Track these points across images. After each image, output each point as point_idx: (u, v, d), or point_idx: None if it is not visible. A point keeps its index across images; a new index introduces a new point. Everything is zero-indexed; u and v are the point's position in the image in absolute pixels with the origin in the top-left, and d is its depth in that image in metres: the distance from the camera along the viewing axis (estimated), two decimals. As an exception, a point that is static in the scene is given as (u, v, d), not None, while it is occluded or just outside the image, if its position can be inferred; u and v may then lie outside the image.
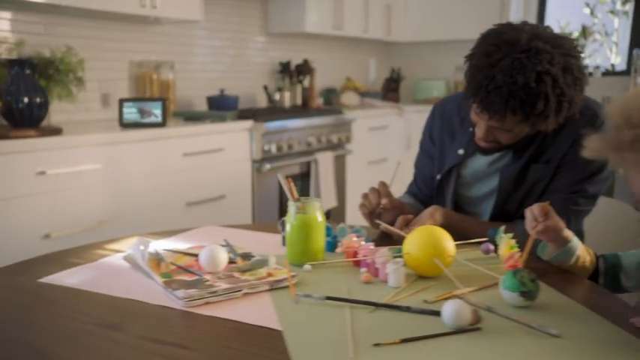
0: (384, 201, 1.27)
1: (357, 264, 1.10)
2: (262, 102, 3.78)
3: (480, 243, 1.14)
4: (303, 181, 3.29)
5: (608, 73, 4.34)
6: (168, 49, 3.17)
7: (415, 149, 1.63)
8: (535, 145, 1.31)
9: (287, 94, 3.66)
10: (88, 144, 2.14)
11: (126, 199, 2.30)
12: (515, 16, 4.44)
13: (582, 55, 1.21)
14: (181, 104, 3.24)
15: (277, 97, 3.66)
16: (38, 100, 2.09)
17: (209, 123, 2.75)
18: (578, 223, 1.30)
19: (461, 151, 1.41)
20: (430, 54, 4.95)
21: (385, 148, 4.03)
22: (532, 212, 1.03)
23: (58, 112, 2.58)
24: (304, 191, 3.26)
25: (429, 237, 1.04)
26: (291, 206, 1.12)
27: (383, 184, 1.31)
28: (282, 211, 3.08)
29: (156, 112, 2.49)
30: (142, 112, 2.48)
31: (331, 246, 1.19)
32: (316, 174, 3.29)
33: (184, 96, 3.28)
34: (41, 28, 2.55)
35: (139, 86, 3.00)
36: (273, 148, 2.98)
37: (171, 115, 3.00)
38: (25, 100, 2.05)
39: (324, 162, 3.32)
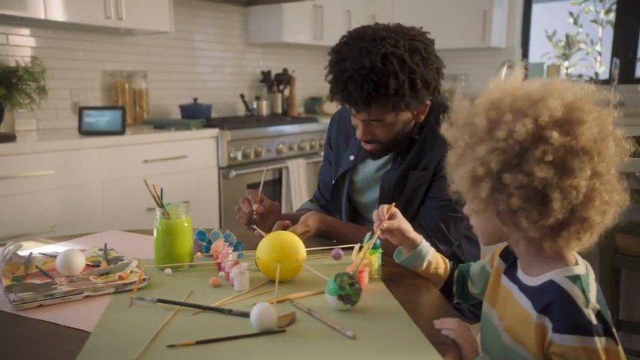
0: (255, 207, 1.27)
1: (219, 268, 1.11)
2: (242, 111, 3.82)
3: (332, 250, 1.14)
4: (275, 187, 3.30)
5: (592, 82, 4.26)
6: (144, 59, 3.23)
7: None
8: (414, 152, 1.31)
9: (264, 103, 3.69)
10: (39, 150, 2.19)
11: (79, 204, 2.34)
12: (498, 25, 4.39)
13: (431, 39, 1.25)
14: (155, 113, 3.29)
15: (255, 105, 3.69)
16: (-8, 108, 2.15)
17: (174, 131, 2.79)
18: (458, 230, 1.28)
19: (351, 157, 1.42)
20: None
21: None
22: (377, 212, 1.03)
23: (26, 120, 2.65)
24: (276, 197, 3.27)
25: (276, 242, 1.04)
26: (157, 212, 1.13)
27: (251, 192, 1.31)
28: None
29: (115, 120, 2.53)
30: (101, 120, 2.52)
31: (207, 249, 1.20)
32: (287, 180, 3.30)
33: (159, 105, 3.33)
34: (6, 39, 2.63)
35: (111, 95, 3.06)
36: (239, 156, 3.00)
37: (140, 123, 3.05)
38: (-22, 108, 2.12)
39: (295, 169, 3.33)
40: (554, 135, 0.71)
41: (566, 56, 4.53)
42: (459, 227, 1.28)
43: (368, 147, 1.31)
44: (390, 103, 1.19)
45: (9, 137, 2.19)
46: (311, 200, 1.61)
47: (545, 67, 4.39)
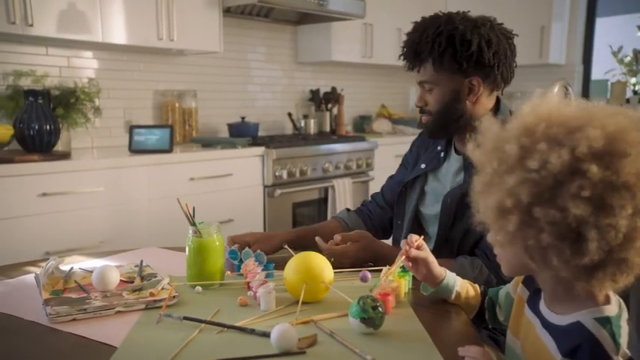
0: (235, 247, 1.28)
1: (249, 287, 1.13)
2: (290, 129, 3.88)
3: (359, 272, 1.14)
4: (321, 206, 3.33)
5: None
6: (194, 78, 3.35)
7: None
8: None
9: (312, 122, 3.74)
10: (90, 168, 2.31)
11: (127, 220, 2.44)
12: (557, 40, 4.29)
13: (506, 29, 1.34)
14: (204, 131, 3.40)
15: (302, 124, 3.75)
16: (48, 127, 2.29)
17: (220, 149, 2.88)
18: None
19: (423, 165, 1.47)
20: (471, 80, 4.87)
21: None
22: (406, 240, 1.03)
23: (81, 138, 2.80)
24: (322, 217, 3.30)
25: (303, 263, 1.05)
26: (189, 230, 1.17)
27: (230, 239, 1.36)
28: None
29: (163, 138, 2.64)
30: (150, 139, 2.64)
31: (238, 268, 1.23)
32: (333, 199, 3.32)
33: (208, 123, 3.44)
34: (67, 61, 2.80)
35: (162, 114, 3.19)
36: (285, 174, 3.05)
37: (188, 141, 3.16)
38: (36, 127, 2.26)
39: (341, 188, 3.34)
40: (593, 168, 0.66)
41: (633, 73, 4.36)
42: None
43: (423, 118, 1.39)
44: (431, 57, 1.29)
45: (64, 155, 2.33)
46: (348, 209, 1.63)
47: (609, 84, 4.23)
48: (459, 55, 1.27)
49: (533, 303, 0.83)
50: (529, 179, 0.69)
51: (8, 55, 2.57)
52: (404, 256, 1.02)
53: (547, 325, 0.78)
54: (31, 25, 2.30)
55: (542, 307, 0.80)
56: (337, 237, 1.30)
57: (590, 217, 0.66)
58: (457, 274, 1.07)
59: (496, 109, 1.38)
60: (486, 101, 1.35)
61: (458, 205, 1.31)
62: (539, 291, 0.82)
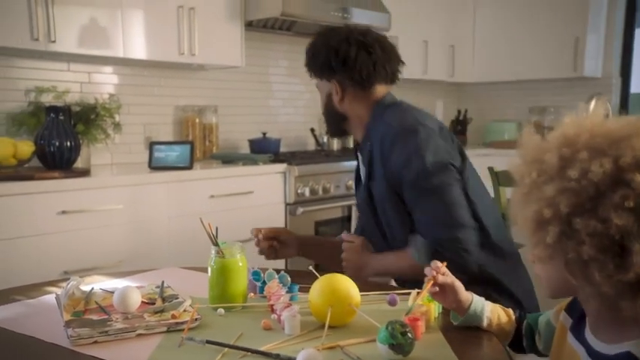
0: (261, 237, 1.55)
1: (272, 310, 1.14)
2: (312, 145, 3.90)
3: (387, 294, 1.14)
4: (344, 225, 3.33)
5: None
6: (215, 93, 3.41)
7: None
8: (369, 162, 1.50)
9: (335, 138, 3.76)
10: (110, 185, 2.36)
11: (146, 239, 2.48)
12: (593, 52, 4.25)
13: (382, 35, 1.58)
14: (224, 147, 3.44)
15: (325, 140, 3.77)
16: (69, 143, 2.34)
17: (241, 166, 2.91)
18: (454, 212, 1.36)
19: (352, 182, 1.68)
20: (501, 95, 4.85)
21: (440, 193, 3.97)
22: (432, 266, 1.03)
23: (101, 154, 2.86)
24: (345, 236, 3.29)
25: (329, 285, 1.06)
26: (212, 250, 1.18)
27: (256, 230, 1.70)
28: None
29: (183, 154, 2.68)
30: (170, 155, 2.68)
31: (261, 290, 1.24)
32: (356, 218, 3.32)
33: (228, 139, 3.48)
34: (88, 77, 2.87)
35: (182, 130, 3.25)
36: (307, 192, 3.06)
37: (208, 157, 3.20)
38: (57, 143, 2.32)
39: (365, 207, 3.34)
40: (638, 178, 0.66)
41: (674, 85, 4.29)
42: (457, 208, 1.37)
43: None
44: (307, 68, 1.59)
45: (84, 172, 2.38)
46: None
47: (648, 97, 4.18)
48: (315, 64, 1.57)
49: (577, 331, 0.82)
50: (568, 188, 0.69)
51: (30, 71, 2.65)
52: (431, 283, 1.02)
53: (593, 354, 0.76)
54: (54, 42, 2.37)
55: (588, 334, 0.78)
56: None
57: (634, 229, 0.65)
58: (416, 258, 1.31)
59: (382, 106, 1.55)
60: (360, 100, 1.55)
61: (368, 205, 1.52)
62: (584, 318, 0.81)
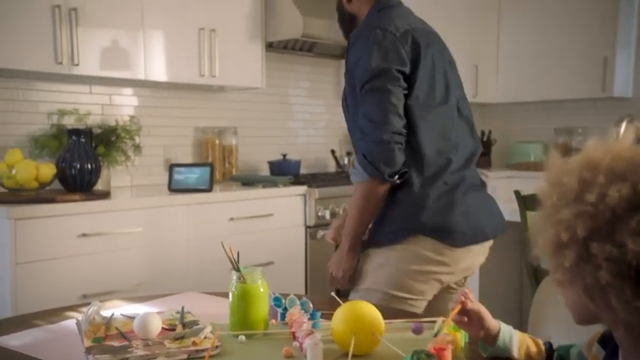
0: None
1: (294, 337, 1.14)
2: (333, 167, 3.92)
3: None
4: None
5: None
6: (235, 114, 3.45)
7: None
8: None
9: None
10: (129, 208, 2.39)
11: (165, 262, 2.50)
12: (623, 72, 4.22)
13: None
14: (244, 168, 3.47)
15: (346, 161, 3.78)
16: (89, 166, 2.39)
17: (261, 188, 2.93)
18: (384, 102, 1.48)
19: None
20: (526, 116, 4.83)
21: (463, 216, 3.94)
22: (461, 292, 1.03)
23: (121, 176, 2.91)
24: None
25: (352, 312, 1.06)
26: (233, 275, 1.19)
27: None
28: (307, 280, 3.13)
29: (203, 176, 2.71)
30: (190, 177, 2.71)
31: (283, 317, 1.24)
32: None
33: (248, 161, 3.51)
34: (109, 99, 2.94)
35: (202, 151, 3.29)
36: (328, 214, 3.07)
37: (228, 179, 3.23)
38: (78, 166, 2.36)
39: (387, 230, 3.33)
40: None
41: None
42: (387, 98, 1.49)
43: None
44: None
45: (104, 194, 2.42)
46: None
47: (681, 118, 4.12)
48: None
49: None
50: (585, 212, 0.70)
51: (53, 94, 2.72)
52: (458, 309, 1.01)
53: None
54: (77, 65, 2.43)
55: None
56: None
57: None
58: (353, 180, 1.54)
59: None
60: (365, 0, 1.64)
61: (343, 99, 1.65)
62: (617, 350, 0.80)
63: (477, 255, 1.59)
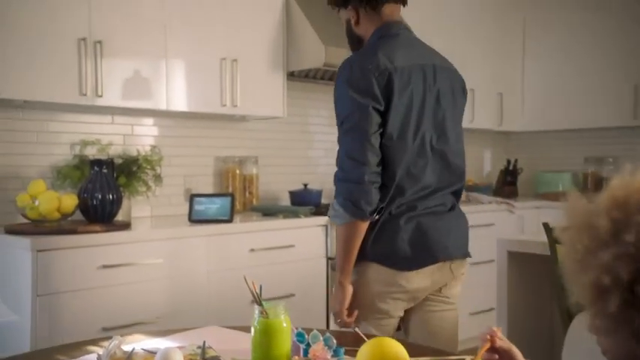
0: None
1: (317, 374, 1.14)
2: (354, 196, 3.93)
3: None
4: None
5: None
6: (256, 144, 3.50)
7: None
8: None
9: (378, 189, 3.78)
10: (150, 239, 2.43)
11: (186, 294, 2.52)
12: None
13: None
14: (265, 198, 3.50)
15: (368, 191, 3.79)
16: (111, 197, 2.44)
17: (282, 218, 2.95)
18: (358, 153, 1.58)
19: None
20: (553, 144, 4.80)
21: (488, 247, 3.90)
22: (488, 330, 1.02)
23: (141, 207, 2.96)
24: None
25: (377, 349, 1.06)
26: (255, 310, 1.20)
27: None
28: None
29: (224, 207, 2.74)
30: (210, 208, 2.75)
31: (306, 352, 1.25)
32: (401, 275, 3.29)
33: (269, 190, 3.55)
34: (131, 129, 3.00)
35: (222, 181, 3.33)
36: (350, 246, 3.06)
37: (248, 209, 3.26)
38: (99, 197, 2.41)
39: (411, 262, 3.31)
40: None
41: None
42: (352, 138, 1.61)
43: None
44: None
45: (125, 225, 2.46)
46: None
47: None
48: None
49: None
50: (627, 254, 0.69)
51: (76, 124, 2.80)
52: (487, 347, 1.01)
53: None
54: (101, 96, 2.51)
55: None
56: None
57: None
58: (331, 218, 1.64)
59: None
60: (372, 22, 1.74)
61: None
62: None
63: (434, 274, 1.68)
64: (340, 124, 1.64)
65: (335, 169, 1.67)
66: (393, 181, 1.62)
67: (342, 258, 1.64)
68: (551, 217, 2.55)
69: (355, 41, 1.81)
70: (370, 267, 1.65)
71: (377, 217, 1.63)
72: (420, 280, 1.65)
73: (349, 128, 1.61)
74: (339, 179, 1.63)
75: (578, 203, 0.78)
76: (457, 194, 1.79)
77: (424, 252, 1.65)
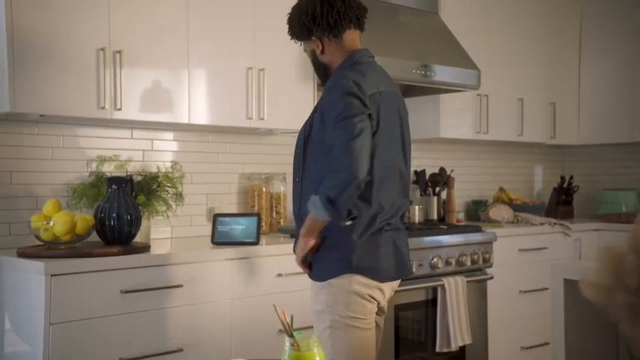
0: None
1: (353, 414, 1.15)
2: (391, 217, 3.92)
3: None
4: (429, 310, 3.28)
5: None
6: (283, 160, 3.51)
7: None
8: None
9: (417, 208, 3.78)
10: (170, 262, 2.46)
11: (208, 323, 2.54)
12: None
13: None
14: (293, 219, 3.50)
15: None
16: (129, 217, 2.48)
17: (312, 241, 2.96)
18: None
19: None
20: (615, 159, 4.73)
21: (542, 274, 3.85)
22: None
23: (161, 227, 3.00)
24: (429, 322, 3.24)
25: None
26: (286, 342, 1.21)
27: None
28: (398, 344, 3.09)
29: (250, 228, 2.76)
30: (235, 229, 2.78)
31: (340, 391, 1.25)
32: (443, 302, 3.26)
33: (298, 210, 3.56)
34: (151, 144, 3.06)
35: (247, 200, 3.36)
36: (386, 271, 3.06)
37: (275, 230, 3.28)
38: (117, 217, 2.46)
39: (454, 288, 3.28)
40: None
41: None
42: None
43: None
44: (289, 35, 2.14)
45: (144, 247, 2.50)
46: None
47: None
48: (295, 30, 2.10)
49: None
50: None
51: (93, 139, 2.87)
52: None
53: None
54: (120, 109, 2.57)
55: None
56: None
57: None
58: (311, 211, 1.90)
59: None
60: (336, 49, 2.07)
61: (303, 130, 2.14)
62: None
63: (393, 287, 2.13)
64: (337, 122, 1.88)
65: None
66: (376, 201, 1.96)
67: (307, 229, 2.00)
68: (613, 240, 2.51)
69: (322, 69, 2.14)
70: (353, 277, 1.99)
71: (349, 223, 1.94)
72: (387, 291, 2.07)
73: (350, 137, 1.86)
74: (328, 180, 1.87)
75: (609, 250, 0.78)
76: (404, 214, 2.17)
77: (401, 266, 2.08)
